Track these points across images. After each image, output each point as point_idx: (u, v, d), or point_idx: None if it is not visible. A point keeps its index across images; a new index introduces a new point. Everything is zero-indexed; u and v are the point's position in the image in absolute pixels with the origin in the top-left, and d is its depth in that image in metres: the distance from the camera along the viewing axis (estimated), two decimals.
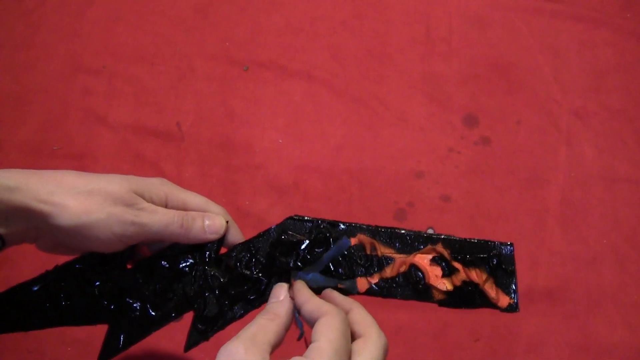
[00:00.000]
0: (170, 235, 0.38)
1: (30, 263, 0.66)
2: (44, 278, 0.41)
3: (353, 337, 0.34)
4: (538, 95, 0.81)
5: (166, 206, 0.39)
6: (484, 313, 0.68)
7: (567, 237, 0.72)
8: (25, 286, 0.41)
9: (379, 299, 0.69)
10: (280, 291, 0.37)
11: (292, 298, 0.37)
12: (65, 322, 0.40)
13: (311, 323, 0.34)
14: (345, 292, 0.40)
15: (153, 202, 0.38)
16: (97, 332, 0.64)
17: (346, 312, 0.35)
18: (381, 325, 0.67)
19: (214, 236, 0.40)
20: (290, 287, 0.38)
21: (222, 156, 0.76)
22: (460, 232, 0.72)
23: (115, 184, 0.36)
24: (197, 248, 0.41)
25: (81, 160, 0.76)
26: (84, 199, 0.34)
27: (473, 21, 0.85)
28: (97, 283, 0.40)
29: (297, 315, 0.36)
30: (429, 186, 0.75)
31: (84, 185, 0.35)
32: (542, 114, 0.80)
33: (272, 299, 0.37)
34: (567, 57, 0.83)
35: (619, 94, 0.81)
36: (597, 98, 0.80)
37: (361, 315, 0.36)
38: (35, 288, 0.40)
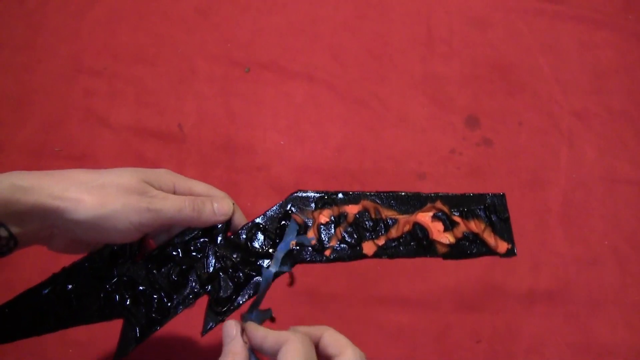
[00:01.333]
0: (184, 218, 0.39)
1: (31, 266, 0.66)
2: (53, 281, 0.41)
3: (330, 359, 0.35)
4: (539, 97, 0.81)
5: (175, 193, 0.40)
6: (485, 313, 0.69)
7: (568, 238, 0.72)
8: (34, 290, 0.41)
9: (378, 302, 0.69)
10: (231, 330, 0.37)
11: (248, 342, 0.36)
12: (79, 322, 0.41)
13: (275, 356, 0.34)
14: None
15: (162, 190, 0.39)
16: (98, 334, 0.65)
17: (318, 339, 0.36)
18: (382, 326, 0.68)
19: (223, 217, 0.41)
20: (243, 331, 0.38)
21: (223, 157, 0.76)
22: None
23: (125, 176, 0.37)
24: (206, 233, 0.42)
25: (82, 161, 0.76)
26: (98, 192, 0.35)
27: (474, 22, 0.86)
28: (109, 280, 0.40)
29: (252, 355, 0.36)
30: (430, 187, 0.75)
31: (96, 179, 0.36)
32: (544, 115, 0.80)
33: (227, 338, 0.36)
34: (568, 58, 0.83)
35: (620, 95, 0.81)
36: (598, 99, 0.80)
37: (334, 337, 0.36)
38: (45, 291, 0.41)
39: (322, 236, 0.42)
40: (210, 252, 0.41)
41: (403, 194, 0.43)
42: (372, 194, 0.43)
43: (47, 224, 0.35)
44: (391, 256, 0.42)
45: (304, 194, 0.43)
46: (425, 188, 0.75)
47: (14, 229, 0.33)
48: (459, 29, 0.85)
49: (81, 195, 0.34)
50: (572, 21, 0.85)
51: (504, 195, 0.44)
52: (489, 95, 0.81)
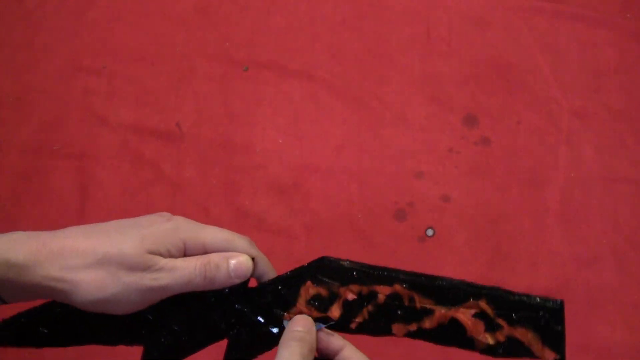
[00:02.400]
0: (195, 289, 0.36)
1: None
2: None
3: None
4: (538, 96, 0.81)
5: (185, 254, 0.36)
6: None
7: (567, 237, 0.72)
8: (51, 304, 0.39)
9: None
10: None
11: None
12: (96, 340, 0.39)
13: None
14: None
15: (171, 255, 0.35)
16: None
17: (338, 350, 0.37)
18: None
19: (239, 280, 0.37)
20: None
21: (222, 156, 0.76)
22: (461, 234, 0.73)
23: (127, 246, 0.33)
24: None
25: (81, 160, 0.76)
26: (96, 271, 0.32)
27: (473, 21, 0.85)
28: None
29: None
30: (429, 186, 0.75)
31: (95, 250, 0.33)
32: (542, 114, 0.80)
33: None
34: (568, 57, 0.83)
35: (619, 94, 0.81)
36: (597, 98, 0.80)
37: (352, 351, 0.37)
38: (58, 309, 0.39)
39: (348, 313, 0.39)
40: (228, 304, 0.39)
41: (444, 283, 0.39)
42: (408, 274, 0.39)
43: (43, 299, 0.34)
44: (425, 340, 0.39)
45: (333, 263, 0.39)
46: (424, 187, 0.75)
47: (9, 299, 0.33)
48: (458, 28, 0.85)
49: (79, 276, 0.32)
50: (571, 20, 0.85)
51: (562, 303, 0.38)
52: (488, 94, 0.81)
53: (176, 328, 0.38)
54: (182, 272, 0.34)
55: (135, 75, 0.81)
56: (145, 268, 0.33)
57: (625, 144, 0.77)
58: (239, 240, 0.38)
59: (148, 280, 0.33)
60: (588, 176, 0.75)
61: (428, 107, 0.80)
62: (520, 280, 0.70)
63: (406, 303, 0.39)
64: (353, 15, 0.86)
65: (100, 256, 0.32)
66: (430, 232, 0.72)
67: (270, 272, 0.40)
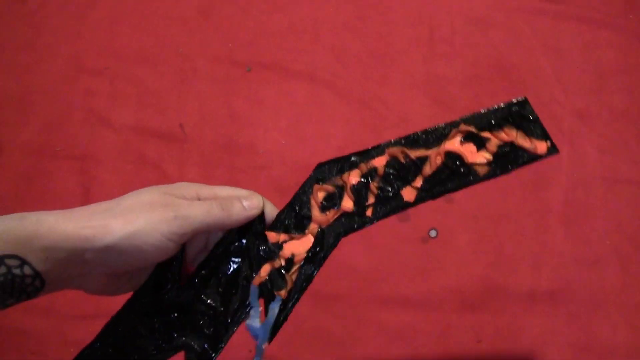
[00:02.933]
0: (215, 220, 0.38)
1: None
2: (105, 332, 0.40)
3: None
4: (541, 96, 0.81)
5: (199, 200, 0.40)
6: (486, 314, 0.68)
7: (569, 238, 0.72)
8: (89, 347, 0.40)
9: (380, 302, 0.69)
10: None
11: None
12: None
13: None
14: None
15: (186, 199, 0.39)
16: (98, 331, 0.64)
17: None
18: (383, 327, 0.67)
19: (255, 211, 0.40)
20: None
21: (225, 157, 0.76)
22: (463, 235, 0.73)
23: (145, 194, 0.37)
24: (242, 236, 0.40)
25: (83, 161, 0.76)
26: (123, 214, 0.35)
27: (475, 22, 0.85)
28: (159, 313, 0.39)
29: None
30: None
31: (118, 204, 0.36)
32: (545, 115, 0.79)
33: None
34: (570, 58, 0.83)
35: (621, 95, 0.81)
36: (599, 99, 0.80)
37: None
38: (98, 344, 0.39)
39: (359, 197, 0.41)
40: (252, 250, 0.40)
41: (423, 131, 0.42)
42: (395, 141, 0.42)
43: (75, 259, 0.34)
44: (434, 195, 0.41)
45: (329, 162, 0.42)
46: None
47: (40, 267, 0.33)
48: (460, 29, 0.85)
49: (107, 220, 0.34)
50: (573, 21, 0.85)
51: (525, 99, 0.43)
52: (490, 95, 0.81)
53: (210, 304, 0.39)
54: (201, 205, 0.38)
55: (138, 76, 0.81)
56: (166, 204, 0.36)
57: (627, 144, 0.77)
58: (245, 190, 0.42)
59: (171, 211, 0.36)
60: (590, 177, 0.75)
61: (430, 108, 0.80)
62: (523, 280, 0.70)
63: (402, 160, 0.41)
64: (355, 16, 0.86)
65: (122, 206, 0.35)
66: (433, 233, 0.72)
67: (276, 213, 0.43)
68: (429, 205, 0.78)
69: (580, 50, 0.83)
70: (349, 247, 0.73)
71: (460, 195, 0.75)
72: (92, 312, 0.67)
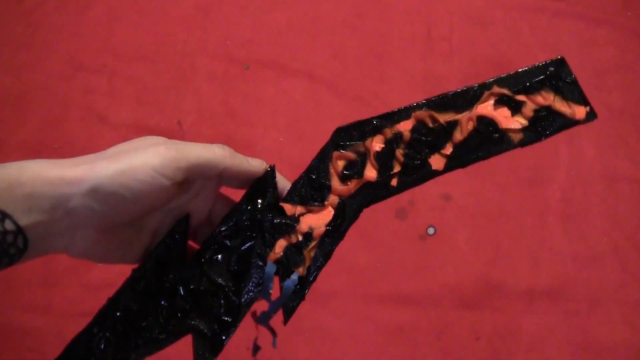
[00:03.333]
0: (214, 157, 0.34)
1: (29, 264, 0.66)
2: (103, 316, 0.36)
3: None
4: None
5: None
6: (485, 311, 0.68)
7: (568, 235, 0.72)
8: (86, 332, 0.35)
9: (378, 300, 0.69)
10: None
11: None
12: (145, 352, 0.35)
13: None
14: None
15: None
16: None
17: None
18: (382, 324, 0.67)
19: (258, 163, 0.38)
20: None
21: None
22: (462, 232, 0.73)
23: (140, 139, 0.33)
24: (252, 199, 0.37)
25: None
26: (113, 156, 0.31)
27: (474, 20, 0.85)
28: (163, 293, 0.35)
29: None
30: (429, 185, 0.75)
31: (108, 150, 0.32)
32: None
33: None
34: (568, 56, 0.82)
35: (620, 93, 0.81)
36: (598, 97, 0.80)
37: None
38: (96, 329, 0.35)
39: (383, 165, 0.37)
40: (265, 224, 0.36)
41: (454, 93, 0.38)
42: (419, 103, 0.38)
43: (60, 209, 0.30)
44: (464, 164, 0.38)
45: (349, 126, 0.38)
46: (425, 185, 0.75)
47: (23, 220, 0.29)
48: (459, 27, 0.85)
49: (94, 162, 0.31)
50: (572, 19, 0.85)
51: (563, 58, 0.39)
52: None
53: (220, 284, 0.35)
54: (201, 144, 0.34)
55: (136, 74, 0.81)
56: (162, 142, 0.33)
57: (626, 142, 0.77)
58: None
59: (162, 141, 0.33)
60: (589, 175, 0.75)
61: None
62: (521, 278, 0.70)
63: (430, 125, 0.38)
64: (354, 14, 0.86)
65: (115, 150, 0.32)
66: (431, 231, 0.72)
67: (288, 184, 0.40)
68: (426, 203, 0.78)
69: (578, 48, 0.83)
70: (347, 244, 0.72)
71: (458, 193, 0.75)
72: (90, 310, 0.67)
